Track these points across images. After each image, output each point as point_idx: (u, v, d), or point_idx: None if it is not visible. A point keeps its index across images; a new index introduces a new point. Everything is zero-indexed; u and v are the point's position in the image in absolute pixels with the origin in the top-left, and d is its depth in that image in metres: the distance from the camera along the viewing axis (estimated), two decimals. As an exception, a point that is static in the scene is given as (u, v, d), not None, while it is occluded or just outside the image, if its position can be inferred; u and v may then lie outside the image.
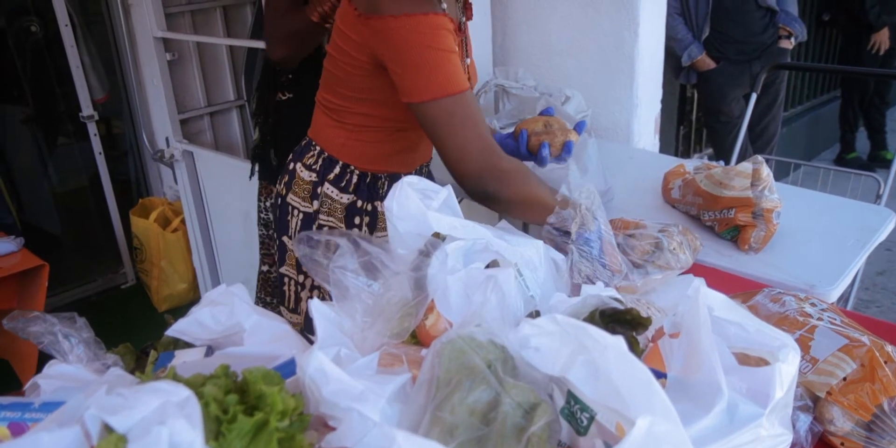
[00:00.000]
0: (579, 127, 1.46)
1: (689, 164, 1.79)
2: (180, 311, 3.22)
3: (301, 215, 1.46)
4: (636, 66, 2.23)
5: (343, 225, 1.45)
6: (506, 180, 1.25)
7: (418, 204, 1.06)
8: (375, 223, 1.47)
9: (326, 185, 1.43)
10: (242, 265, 2.74)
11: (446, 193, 1.13)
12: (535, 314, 0.86)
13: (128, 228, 3.36)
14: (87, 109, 3.31)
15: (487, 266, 0.93)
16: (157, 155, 3.00)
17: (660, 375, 0.78)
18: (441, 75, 1.20)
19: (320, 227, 1.46)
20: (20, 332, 0.91)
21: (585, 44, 2.32)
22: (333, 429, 0.69)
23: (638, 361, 0.66)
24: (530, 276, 1.06)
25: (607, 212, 1.87)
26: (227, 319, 0.85)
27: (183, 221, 3.04)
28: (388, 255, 0.83)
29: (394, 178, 1.46)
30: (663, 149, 2.61)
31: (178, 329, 0.89)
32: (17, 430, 0.73)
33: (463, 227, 1.07)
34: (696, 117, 4.36)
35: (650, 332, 0.89)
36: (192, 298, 3.23)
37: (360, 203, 1.45)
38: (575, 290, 1.15)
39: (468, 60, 1.42)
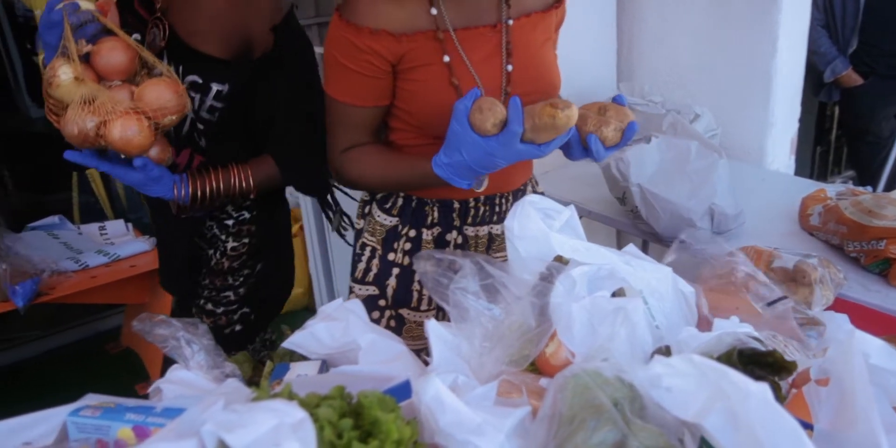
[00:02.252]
0: (618, 99, 1.22)
1: (831, 190, 1.67)
2: (295, 315, 3.31)
3: (354, 232, 1.50)
4: (773, 83, 2.11)
5: (380, 248, 1.41)
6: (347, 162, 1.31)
7: (540, 224, 1.02)
8: (417, 250, 1.39)
9: (374, 205, 1.41)
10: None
11: (569, 214, 1.08)
12: (665, 350, 0.81)
13: (250, 232, 3.48)
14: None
15: (613, 294, 0.87)
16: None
17: (805, 426, 0.71)
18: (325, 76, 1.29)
19: (363, 246, 1.44)
20: (146, 334, 0.94)
21: (717, 59, 2.21)
22: (447, 459, 0.66)
23: (786, 413, 0.59)
24: (656, 305, 0.99)
25: (738, 238, 1.77)
26: (342, 336, 0.84)
27: (301, 228, 3.12)
28: (510, 279, 0.80)
29: (445, 205, 1.36)
30: (798, 170, 2.46)
31: (294, 342, 0.89)
32: (141, 432, 0.75)
33: (586, 250, 1.02)
34: (835, 136, 4.08)
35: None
36: (305, 303, 3.30)
37: (401, 228, 1.39)
38: (702, 324, 1.08)
39: (509, 67, 1.26)
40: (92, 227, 2.91)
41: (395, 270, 1.40)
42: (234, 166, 1.44)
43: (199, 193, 1.39)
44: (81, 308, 3.06)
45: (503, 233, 1.35)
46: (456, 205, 1.35)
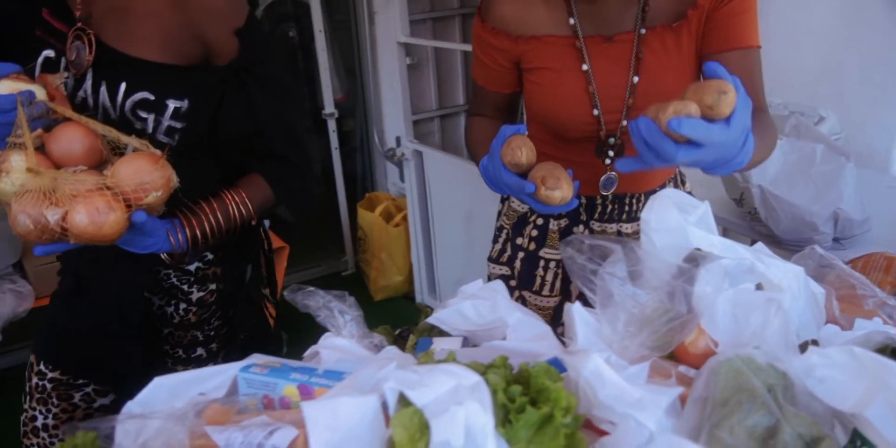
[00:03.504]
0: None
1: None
2: (393, 302, 3.40)
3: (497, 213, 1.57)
4: (905, 87, 2.03)
5: (511, 231, 1.48)
6: (468, 126, 1.42)
7: (678, 217, 1.03)
8: (543, 238, 1.45)
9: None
10: (459, 265, 2.84)
11: (704, 209, 1.09)
12: (812, 343, 0.81)
13: (353, 220, 3.60)
14: (329, 107, 3.58)
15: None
16: (388, 153, 3.18)
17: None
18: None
19: (500, 228, 1.52)
20: (298, 304, 1.01)
21: (845, 60, 2.15)
22: (599, 432, 0.69)
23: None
24: (789, 303, 1.00)
25: (862, 245, 1.72)
26: (489, 313, 0.89)
27: (405, 217, 3.20)
28: (658, 264, 0.82)
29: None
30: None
31: (438, 318, 0.94)
32: (305, 391, 0.81)
33: (722, 245, 1.03)
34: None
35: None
36: (405, 291, 3.39)
37: (530, 215, 1.46)
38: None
39: (636, 78, 1.22)
40: (209, 208, 3.07)
41: (521, 254, 1.47)
42: (227, 193, 1.26)
43: (198, 235, 1.20)
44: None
45: (633, 232, 1.38)
46: (582, 200, 1.38)
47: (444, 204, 2.92)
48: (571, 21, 1.24)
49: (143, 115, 1.18)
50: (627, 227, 1.41)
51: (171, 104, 1.18)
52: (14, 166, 1.02)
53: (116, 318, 1.30)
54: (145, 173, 1.03)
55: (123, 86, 1.16)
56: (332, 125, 3.60)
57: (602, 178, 1.35)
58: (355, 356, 0.88)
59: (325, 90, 3.55)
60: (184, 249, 1.19)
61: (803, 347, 0.84)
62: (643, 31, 1.22)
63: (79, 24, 1.16)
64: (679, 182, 1.48)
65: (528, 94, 1.34)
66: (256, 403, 0.84)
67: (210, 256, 1.35)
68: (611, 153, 1.31)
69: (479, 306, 0.90)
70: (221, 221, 1.23)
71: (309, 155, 1.36)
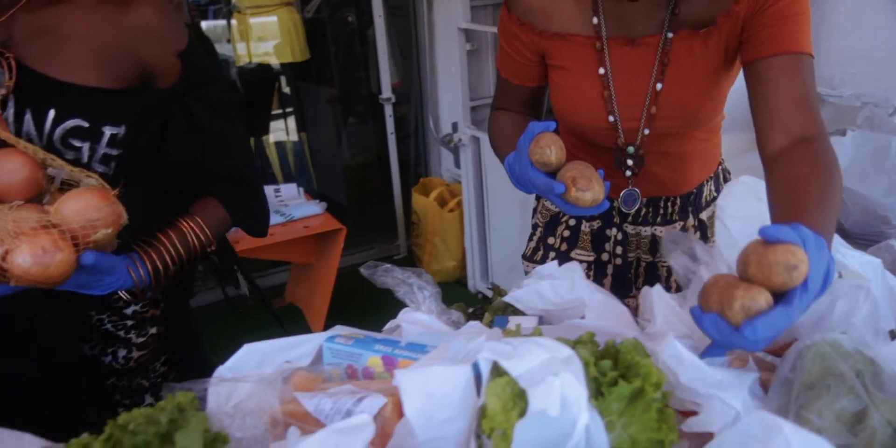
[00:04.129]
0: None
1: None
2: (446, 286, 3.41)
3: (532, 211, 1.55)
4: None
5: (543, 230, 1.46)
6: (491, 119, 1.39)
7: (755, 205, 1.03)
8: (575, 239, 1.41)
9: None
10: (512, 252, 2.84)
11: (780, 197, 1.09)
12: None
13: (407, 204, 3.63)
14: (386, 92, 3.61)
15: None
16: (445, 138, 3.20)
17: None
18: None
19: (535, 226, 1.49)
20: (376, 280, 1.04)
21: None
22: (681, 413, 0.70)
23: None
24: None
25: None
26: (567, 293, 0.90)
27: (459, 203, 3.22)
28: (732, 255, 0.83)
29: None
30: None
31: (515, 297, 0.95)
32: (389, 362, 0.84)
33: (798, 234, 1.02)
34: None
35: None
36: (457, 276, 3.41)
37: (562, 215, 1.42)
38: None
39: (659, 85, 1.17)
40: (268, 189, 3.14)
41: (552, 255, 1.42)
42: (182, 221, 1.20)
43: (158, 267, 1.14)
44: (249, 264, 3.31)
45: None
46: (616, 202, 1.32)
47: (500, 190, 2.93)
48: (595, 20, 1.17)
49: (77, 143, 1.08)
50: (662, 231, 1.35)
51: (108, 131, 1.09)
52: None
53: (53, 368, 1.20)
54: (94, 210, 0.94)
55: (52, 113, 1.06)
56: (388, 110, 3.63)
57: (622, 194, 1.28)
58: (435, 330, 0.90)
59: (383, 75, 3.57)
60: (146, 283, 1.12)
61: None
62: (670, 34, 1.14)
63: None
64: (721, 180, 1.40)
65: (550, 92, 1.30)
66: (340, 373, 0.87)
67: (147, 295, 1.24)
68: (630, 162, 1.24)
69: (557, 286, 0.91)
70: (181, 250, 1.18)
71: (258, 175, 1.32)
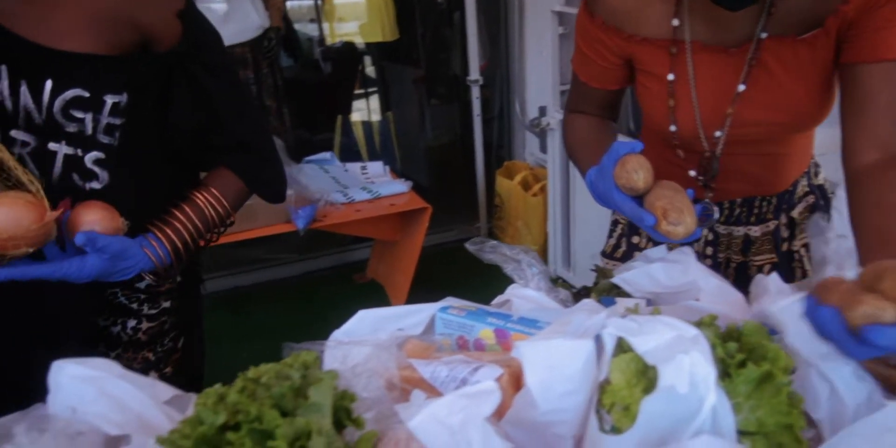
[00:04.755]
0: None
1: None
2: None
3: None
4: None
5: (627, 228, 1.43)
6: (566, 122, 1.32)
7: None
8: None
9: None
10: (596, 239, 2.82)
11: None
12: None
13: (489, 187, 3.64)
14: (474, 74, 3.61)
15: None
16: (533, 122, 3.19)
17: None
18: None
19: (615, 222, 1.46)
20: (482, 257, 1.06)
21: None
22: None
23: None
24: None
25: None
26: (680, 276, 0.90)
27: (543, 188, 3.21)
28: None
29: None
30: None
31: (624, 278, 0.95)
32: (501, 335, 0.85)
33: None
34: None
35: None
36: (536, 261, 3.42)
37: None
38: None
39: (741, 87, 1.09)
40: (355, 166, 3.20)
41: (637, 254, 1.35)
42: (197, 194, 1.16)
43: (178, 245, 1.10)
44: (333, 238, 3.38)
45: (761, 235, 1.30)
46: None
47: (586, 176, 2.91)
48: (675, 22, 1.09)
49: (79, 114, 1.04)
50: (756, 230, 1.30)
51: (109, 99, 1.05)
52: None
53: (57, 337, 1.15)
54: (23, 228, 0.88)
55: (49, 84, 1.01)
56: (475, 92, 3.63)
57: (697, 209, 1.12)
58: (545, 306, 0.91)
59: (472, 57, 3.57)
60: (167, 263, 1.09)
61: None
62: (763, 35, 1.06)
63: None
64: (812, 174, 1.34)
65: (638, 96, 1.24)
66: (451, 343, 0.90)
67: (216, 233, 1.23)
68: (710, 168, 1.18)
69: (669, 269, 0.91)
70: (199, 224, 1.13)
71: (272, 139, 1.25)
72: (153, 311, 1.25)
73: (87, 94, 1.03)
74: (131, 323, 1.24)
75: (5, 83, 1.01)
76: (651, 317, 0.66)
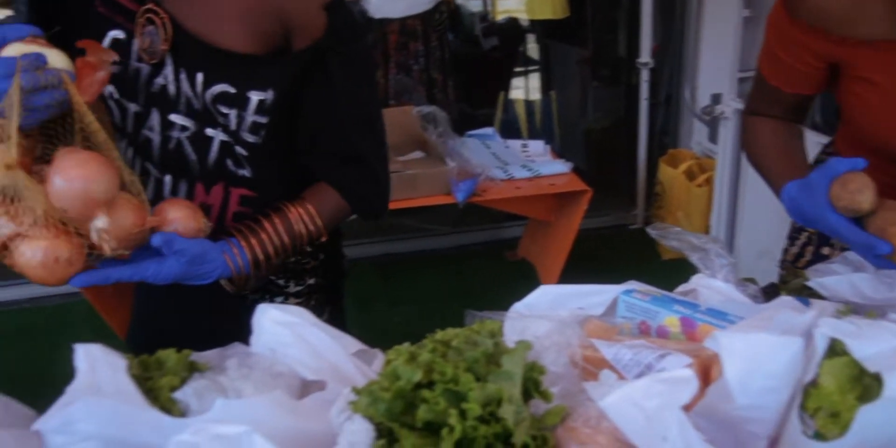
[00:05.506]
0: None
1: None
2: (682, 263, 3.29)
3: None
4: None
5: (816, 238, 1.31)
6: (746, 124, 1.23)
7: None
8: None
9: None
10: (762, 237, 2.68)
11: None
12: None
13: (650, 174, 3.53)
14: (645, 56, 3.50)
15: None
16: (705, 110, 3.05)
17: None
18: None
19: (799, 230, 1.35)
20: (666, 243, 1.03)
21: None
22: None
23: None
24: None
25: None
26: (887, 291, 0.83)
27: (709, 179, 3.07)
28: None
29: None
30: None
31: (822, 283, 0.90)
32: (688, 324, 0.83)
33: None
34: None
35: None
36: (693, 254, 3.29)
37: None
38: None
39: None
40: (515, 143, 3.19)
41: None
42: (291, 208, 1.09)
43: (259, 256, 1.04)
44: (488, 214, 3.40)
45: None
46: None
47: (759, 169, 2.76)
48: None
49: (224, 109, 1.04)
50: None
51: (254, 96, 1.03)
52: None
53: (209, 319, 1.16)
54: (129, 234, 0.88)
55: (200, 77, 1.03)
56: (645, 75, 3.52)
57: None
58: (732, 299, 0.88)
59: (644, 39, 3.46)
60: (245, 273, 1.04)
61: None
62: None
63: (149, 5, 1.00)
64: None
65: (846, 105, 1.11)
66: (632, 327, 0.88)
67: (308, 248, 1.19)
68: None
69: (876, 281, 0.85)
70: (286, 240, 1.07)
71: (387, 155, 1.18)
72: (298, 288, 1.24)
73: (233, 91, 1.03)
74: (278, 299, 1.23)
75: (170, 69, 1.04)
76: (870, 321, 0.62)
